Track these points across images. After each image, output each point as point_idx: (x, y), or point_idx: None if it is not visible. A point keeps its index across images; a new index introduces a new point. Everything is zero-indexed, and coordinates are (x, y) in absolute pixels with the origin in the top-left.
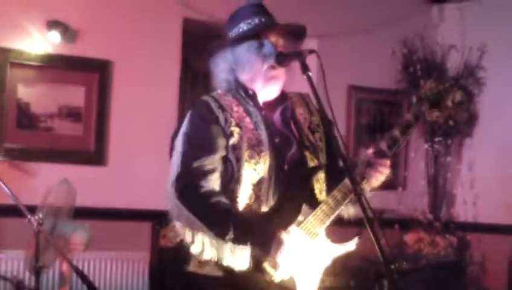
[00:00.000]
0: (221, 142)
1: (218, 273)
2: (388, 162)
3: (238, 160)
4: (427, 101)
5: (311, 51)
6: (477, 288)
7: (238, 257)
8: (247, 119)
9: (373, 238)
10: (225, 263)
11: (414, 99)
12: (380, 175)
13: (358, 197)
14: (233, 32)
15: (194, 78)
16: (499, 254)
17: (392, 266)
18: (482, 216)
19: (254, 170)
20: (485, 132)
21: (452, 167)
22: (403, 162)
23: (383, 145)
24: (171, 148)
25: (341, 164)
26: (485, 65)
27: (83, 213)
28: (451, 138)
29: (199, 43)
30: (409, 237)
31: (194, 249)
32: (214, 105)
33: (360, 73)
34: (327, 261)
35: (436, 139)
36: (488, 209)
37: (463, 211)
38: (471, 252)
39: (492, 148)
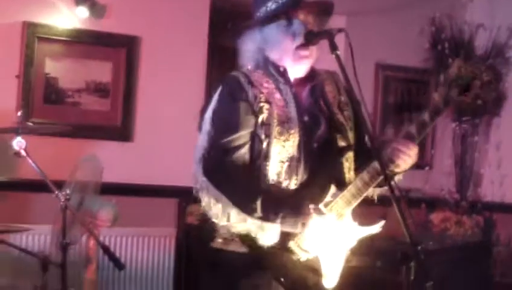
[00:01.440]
0: (250, 119)
1: (244, 249)
2: (417, 147)
3: (267, 136)
4: (457, 86)
5: (340, 30)
6: (503, 269)
7: (265, 234)
8: (277, 96)
9: (400, 219)
10: (251, 238)
11: (442, 79)
12: (409, 158)
13: (386, 178)
14: (261, 12)
15: (221, 55)
16: None
17: (419, 247)
18: (509, 196)
19: (283, 147)
20: None
21: (479, 147)
22: (430, 141)
23: (412, 129)
24: (200, 124)
25: (369, 145)
26: None
27: (109, 189)
28: (478, 117)
29: (226, 20)
30: (435, 217)
31: (221, 224)
32: (243, 80)
33: (388, 51)
34: (352, 243)
35: (464, 119)
36: None
37: (490, 191)
38: (498, 232)
39: None
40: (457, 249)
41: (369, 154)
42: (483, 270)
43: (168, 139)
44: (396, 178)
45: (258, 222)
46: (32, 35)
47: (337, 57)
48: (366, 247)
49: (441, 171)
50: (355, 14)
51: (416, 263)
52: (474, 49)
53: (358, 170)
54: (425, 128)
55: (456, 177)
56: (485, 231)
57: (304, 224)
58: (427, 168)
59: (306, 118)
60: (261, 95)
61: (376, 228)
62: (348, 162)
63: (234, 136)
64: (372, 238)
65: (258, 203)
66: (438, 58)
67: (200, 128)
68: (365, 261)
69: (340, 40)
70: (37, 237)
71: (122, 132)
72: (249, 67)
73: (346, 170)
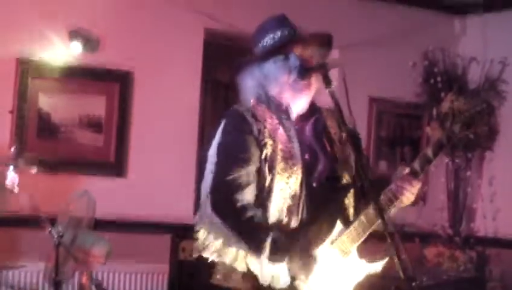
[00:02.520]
0: (256, 153)
1: (245, 286)
2: (419, 184)
3: (271, 172)
4: (461, 123)
5: (334, 65)
6: None
7: (274, 273)
8: (281, 131)
9: (395, 255)
10: (261, 278)
11: (435, 112)
12: (411, 195)
13: (382, 217)
14: (259, 47)
15: (215, 88)
16: None
17: (414, 283)
18: (502, 231)
19: (286, 183)
20: (506, 146)
21: (472, 181)
22: (423, 176)
23: (416, 166)
24: (201, 160)
25: (365, 183)
26: (506, 78)
27: (102, 225)
28: (471, 151)
29: (220, 53)
30: (429, 251)
31: (220, 261)
32: (247, 115)
33: (381, 85)
34: (358, 279)
35: (457, 153)
36: (508, 224)
37: (483, 225)
38: (491, 268)
39: None
40: (451, 284)
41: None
42: None
43: (162, 175)
44: (393, 212)
45: (266, 262)
46: (26, 71)
47: (331, 92)
48: (359, 283)
49: (434, 206)
50: (348, 48)
51: None
52: (467, 83)
53: (360, 205)
54: (429, 163)
55: (449, 212)
56: (478, 266)
57: (310, 264)
58: (420, 203)
59: (307, 156)
60: (265, 130)
61: (382, 263)
62: (348, 199)
63: (242, 172)
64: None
65: (267, 243)
66: (430, 93)
67: (201, 163)
68: None
69: (333, 74)
70: (30, 274)
71: (115, 168)
72: (252, 102)
73: (347, 207)
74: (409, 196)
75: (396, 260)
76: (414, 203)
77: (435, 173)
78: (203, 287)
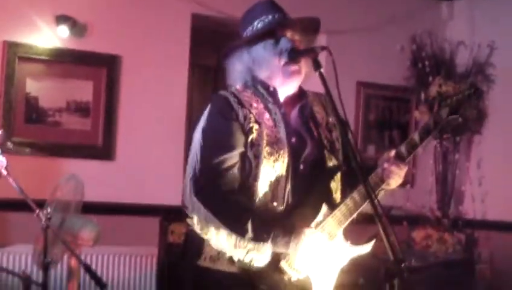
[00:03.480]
0: (240, 138)
1: (232, 269)
2: (406, 167)
3: (257, 157)
4: (448, 107)
5: (324, 48)
6: (486, 286)
7: (256, 255)
8: (266, 116)
9: (384, 237)
10: (242, 260)
11: (423, 96)
12: (398, 178)
13: (371, 199)
14: (248, 31)
15: (203, 73)
16: (508, 251)
17: (403, 265)
18: (491, 213)
19: (272, 168)
20: (494, 129)
21: (461, 164)
22: (411, 159)
23: (403, 149)
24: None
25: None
26: (494, 62)
27: (90, 208)
28: (459, 135)
29: (208, 38)
30: (417, 234)
31: (207, 243)
32: (233, 100)
33: (369, 69)
34: (344, 262)
35: (445, 136)
36: (497, 207)
37: (471, 208)
38: (479, 250)
39: (501, 146)
40: (440, 266)
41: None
42: (466, 287)
43: (149, 157)
44: (381, 194)
45: (250, 243)
46: (13, 55)
47: (321, 75)
48: (349, 264)
49: (423, 188)
50: (335, 33)
51: (399, 280)
52: (455, 67)
53: (346, 189)
54: (415, 148)
55: (438, 194)
56: (466, 248)
57: (295, 244)
58: (408, 186)
59: (293, 140)
60: (251, 115)
61: (367, 247)
62: (335, 182)
63: (226, 156)
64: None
65: (249, 224)
66: (418, 77)
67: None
68: (348, 278)
69: (322, 58)
70: (18, 256)
71: (103, 151)
72: (238, 87)
73: (333, 190)
74: (395, 179)
75: (385, 242)
76: (401, 186)
77: (423, 155)
78: (191, 270)
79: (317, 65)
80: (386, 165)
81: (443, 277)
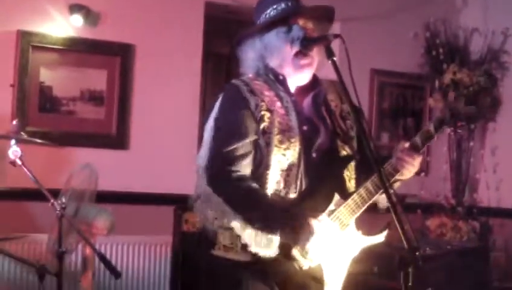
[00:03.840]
0: (252, 126)
1: (245, 258)
2: (420, 157)
3: (268, 145)
4: (464, 98)
5: (336, 36)
6: (500, 274)
7: (266, 244)
8: (278, 104)
9: (398, 225)
10: (253, 249)
11: (437, 83)
12: (413, 168)
13: (386, 190)
14: (261, 19)
15: (216, 62)
16: None
17: (417, 253)
18: (505, 201)
19: (283, 156)
20: (509, 117)
21: (475, 152)
22: (425, 147)
23: (418, 140)
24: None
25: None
26: (509, 49)
27: (105, 197)
28: (474, 122)
29: (221, 27)
30: (432, 222)
31: (220, 233)
32: (244, 89)
33: (383, 57)
34: (355, 252)
35: (459, 124)
36: (511, 194)
37: (486, 196)
38: (494, 237)
39: None
40: (455, 254)
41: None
42: (481, 275)
43: (163, 146)
44: (397, 185)
45: (260, 232)
46: (27, 44)
47: (334, 63)
48: (363, 252)
49: (437, 176)
50: (349, 20)
51: (414, 269)
52: (469, 54)
53: (360, 178)
54: (430, 139)
55: (452, 182)
56: (481, 236)
57: (304, 235)
58: (422, 174)
59: (305, 128)
60: (262, 104)
61: (380, 237)
62: (349, 171)
63: (238, 145)
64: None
65: (260, 214)
66: (432, 64)
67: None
68: (362, 267)
69: (335, 46)
70: (33, 245)
71: (117, 140)
72: (250, 75)
73: (346, 179)
74: (409, 169)
75: (399, 230)
76: (415, 174)
77: (438, 143)
78: (205, 259)
79: (330, 53)
80: (400, 155)
81: (458, 265)
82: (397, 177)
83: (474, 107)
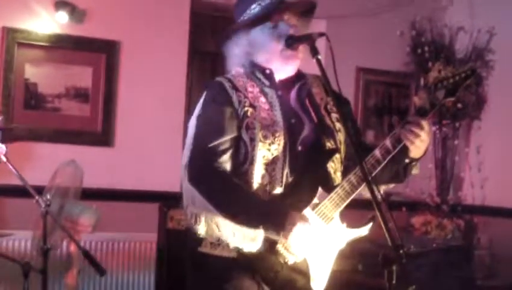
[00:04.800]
0: (233, 123)
1: (231, 254)
2: (424, 123)
3: (252, 140)
4: (445, 89)
5: (321, 34)
6: (485, 272)
7: (250, 239)
8: (262, 99)
9: (382, 223)
10: (237, 244)
11: (422, 81)
12: (418, 140)
13: (368, 182)
14: (245, 15)
15: (202, 59)
16: (506, 237)
17: (401, 251)
18: (490, 199)
19: (268, 150)
20: (493, 115)
21: (460, 150)
22: None
23: (413, 116)
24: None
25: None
26: (494, 48)
27: (90, 194)
28: (459, 120)
29: (207, 24)
30: (416, 220)
31: (204, 231)
32: (227, 85)
33: (368, 55)
34: (341, 245)
35: (444, 122)
36: (496, 193)
37: (470, 194)
38: (479, 236)
39: (501, 132)
40: (439, 252)
41: (364, 153)
42: (465, 273)
43: (149, 144)
44: (413, 171)
45: (242, 228)
46: (12, 40)
47: (318, 61)
48: (347, 249)
49: (422, 174)
50: (335, 18)
51: (398, 266)
52: (455, 53)
53: (346, 171)
54: (426, 115)
55: (437, 180)
56: (465, 234)
57: (290, 228)
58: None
59: (293, 121)
60: (246, 100)
61: (365, 229)
62: (334, 164)
63: (218, 141)
64: (354, 241)
65: (243, 209)
66: (418, 62)
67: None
68: (347, 264)
69: (321, 43)
70: (18, 242)
71: (103, 137)
72: (233, 72)
73: (331, 171)
74: (414, 140)
75: (383, 227)
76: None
77: None
78: (192, 256)
79: (314, 52)
80: (404, 125)
81: (442, 263)
82: (410, 154)
83: (454, 98)
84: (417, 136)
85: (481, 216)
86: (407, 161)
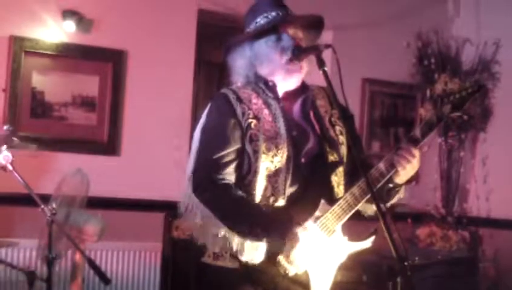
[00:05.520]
0: (237, 134)
1: (234, 265)
2: (415, 151)
3: (255, 152)
4: (451, 104)
5: (328, 46)
6: (489, 284)
7: (253, 251)
8: (266, 111)
9: (387, 234)
10: (240, 256)
11: (428, 93)
12: (409, 165)
13: (373, 194)
14: (251, 27)
15: (208, 69)
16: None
17: (406, 263)
18: (495, 211)
19: (271, 162)
20: (499, 127)
21: (465, 162)
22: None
23: (417, 132)
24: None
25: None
26: (500, 60)
27: (95, 203)
28: (465, 132)
29: (214, 34)
30: (421, 231)
31: (207, 242)
32: (232, 97)
33: (375, 66)
34: (342, 258)
35: (450, 134)
36: (501, 205)
37: (476, 206)
38: (484, 248)
39: (507, 143)
40: (444, 264)
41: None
42: (470, 285)
43: (155, 153)
44: (398, 194)
45: (245, 239)
46: (19, 49)
47: (325, 73)
48: (352, 261)
49: (427, 186)
50: (342, 29)
51: (402, 278)
52: (461, 64)
53: (349, 184)
54: (417, 143)
55: (442, 192)
56: (471, 246)
57: (291, 240)
58: (413, 183)
59: (294, 133)
60: (250, 112)
61: (367, 243)
62: (337, 177)
63: (222, 153)
64: (358, 252)
65: (246, 220)
66: (424, 73)
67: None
68: (351, 275)
69: (327, 54)
70: (23, 251)
71: (109, 146)
72: (238, 84)
73: (335, 185)
74: (405, 165)
75: (388, 239)
76: (412, 180)
77: (428, 153)
78: (195, 266)
79: (321, 63)
80: (396, 151)
81: (447, 275)
82: (395, 179)
83: (460, 113)
84: (409, 162)
85: (486, 228)
86: (390, 185)
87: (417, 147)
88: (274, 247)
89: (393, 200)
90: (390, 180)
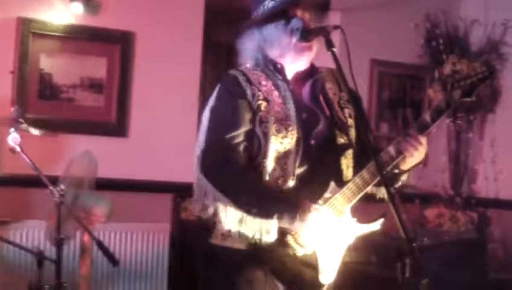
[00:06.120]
0: (247, 116)
1: (242, 245)
2: (425, 139)
3: (265, 134)
4: (461, 90)
5: (336, 27)
6: (497, 265)
7: (263, 230)
8: (276, 93)
9: (395, 215)
10: (250, 235)
11: (436, 74)
12: (416, 152)
13: (383, 177)
14: (259, 10)
15: (216, 50)
16: None
17: (414, 244)
18: (503, 192)
19: (281, 144)
20: (508, 108)
21: (474, 143)
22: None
23: (413, 130)
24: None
25: (365, 142)
26: (508, 41)
27: (104, 185)
28: (473, 113)
29: (221, 15)
30: (430, 212)
31: (215, 222)
32: (241, 79)
33: (383, 47)
34: (350, 240)
35: (458, 115)
36: (510, 186)
37: (484, 187)
38: (492, 229)
39: None
40: (452, 245)
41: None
42: (478, 266)
43: (163, 134)
44: (403, 178)
45: (256, 219)
46: (27, 31)
47: (334, 54)
48: (360, 242)
49: (436, 167)
50: (350, 10)
51: (411, 260)
52: (469, 45)
53: (358, 167)
54: (426, 128)
55: (451, 173)
56: (479, 227)
57: (301, 220)
58: (420, 166)
59: (304, 115)
60: (259, 93)
61: (376, 225)
62: (347, 159)
63: (232, 134)
64: (366, 234)
65: (256, 199)
66: (432, 54)
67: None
68: (360, 256)
69: (334, 36)
70: (32, 232)
71: (117, 128)
72: (248, 65)
73: (344, 167)
74: (413, 152)
75: (397, 220)
76: (420, 163)
77: (436, 134)
78: (203, 247)
79: (329, 44)
80: (403, 137)
81: (455, 256)
82: (401, 166)
83: (471, 98)
84: (416, 149)
85: (495, 209)
86: (396, 171)
87: (424, 134)
88: (285, 224)
89: (399, 184)
90: (396, 166)
